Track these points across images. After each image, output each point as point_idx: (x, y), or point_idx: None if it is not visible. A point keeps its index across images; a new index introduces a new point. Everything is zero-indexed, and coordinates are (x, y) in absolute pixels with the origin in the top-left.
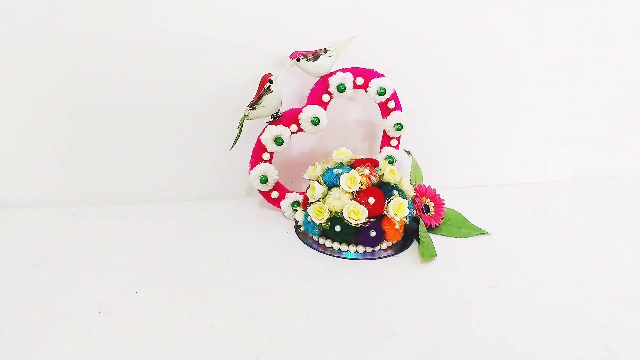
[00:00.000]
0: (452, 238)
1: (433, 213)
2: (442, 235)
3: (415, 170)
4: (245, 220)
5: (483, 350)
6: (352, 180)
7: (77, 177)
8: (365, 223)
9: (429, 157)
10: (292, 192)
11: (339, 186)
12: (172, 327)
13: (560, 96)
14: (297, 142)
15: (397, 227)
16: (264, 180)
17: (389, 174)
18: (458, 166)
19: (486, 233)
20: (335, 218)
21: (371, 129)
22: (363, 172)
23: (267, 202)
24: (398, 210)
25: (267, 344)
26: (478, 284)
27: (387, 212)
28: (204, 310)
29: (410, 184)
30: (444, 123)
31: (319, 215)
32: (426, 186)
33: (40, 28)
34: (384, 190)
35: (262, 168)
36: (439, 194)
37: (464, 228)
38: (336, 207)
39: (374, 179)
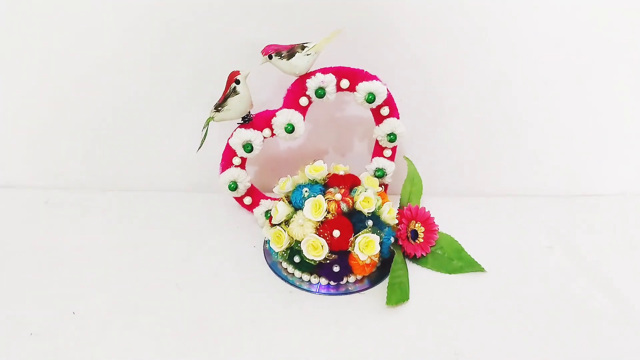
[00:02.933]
0: (439, 273)
1: (422, 240)
2: (428, 268)
3: (412, 183)
4: (215, 221)
5: None
6: (316, 207)
7: (57, 161)
8: (325, 259)
9: (446, 159)
10: (267, 198)
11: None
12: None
13: (611, 99)
14: None
15: (367, 261)
16: (232, 187)
17: (363, 202)
18: (481, 171)
19: (482, 270)
20: (295, 248)
21: (371, 126)
22: (334, 197)
23: None
24: (365, 248)
25: None
26: (444, 348)
27: (352, 249)
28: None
29: (401, 204)
30: (467, 123)
31: (277, 241)
32: (419, 207)
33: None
34: (356, 220)
35: (231, 173)
36: (433, 218)
37: (456, 260)
38: (297, 236)
39: (345, 207)
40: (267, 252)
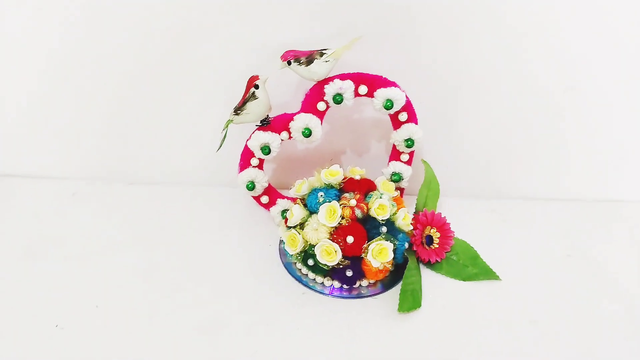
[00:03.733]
0: (454, 280)
1: (437, 246)
2: (442, 274)
3: (429, 187)
4: (234, 217)
5: None
6: (331, 213)
7: (84, 154)
8: (339, 264)
9: (464, 160)
10: (284, 197)
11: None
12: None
13: (635, 104)
14: None
15: (380, 267)
16: (250, 187)
17: (377, 210)
18: (499, 173)
19: (497, 278)
20: (309, 252)
21: (389, 127)
22: (349, 203)
23: None
24: (378, 255)
25: None
26: (455, 357)
27: (365, 255)
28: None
29: (417, 208)
30: (485, 124)
31: (292, 244)
32: (435, 211)
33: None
34: (370, 226)
35: (249, 174)
36: (449, 224)
37: (471, 267)
38: (311, 240)
39: (359, 213)
40: (282, 252)
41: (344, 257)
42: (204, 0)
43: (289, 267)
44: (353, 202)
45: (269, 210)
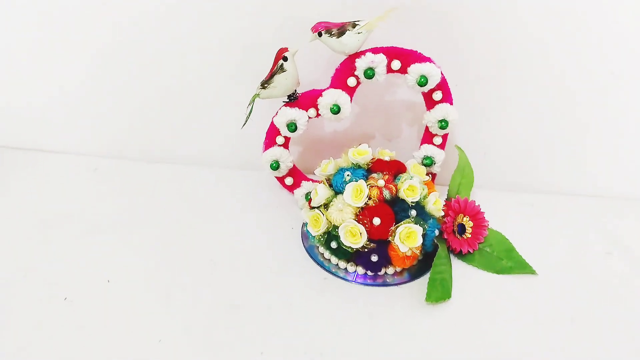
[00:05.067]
0: (486, 272)
1: (469, 236)
2: (473, 265)
3: (462, 175)
4: (256, 200)
5: None
6: (357, 193)
7: (107, 131)
8: (364, 247)
9: (501, 151)
10: (309, 180)
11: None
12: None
13: None
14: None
15: (407, 253)
16: (274, 166)
17: (407, 191)
18: (538, 166)
19: (533, 272)
20: (332, 234)
21: (422, 112)
22: (377, 183)
23: None
24: (407, 239)
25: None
26: (486, 353)
27: (392, 239)
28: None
29: (449, 196)
30: (525, 115)
31: (315, 225)
32: (469, 200)
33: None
34: (398, 209)
35: (274, 152)
36: (483, 212)
37: (505, 260)
38: (336, 221)
39: (387, 194)
40: (305, 236)
41: (369, 240)
42: None
43: (311, 251)
44: (381, 182)
45: (292, 193)
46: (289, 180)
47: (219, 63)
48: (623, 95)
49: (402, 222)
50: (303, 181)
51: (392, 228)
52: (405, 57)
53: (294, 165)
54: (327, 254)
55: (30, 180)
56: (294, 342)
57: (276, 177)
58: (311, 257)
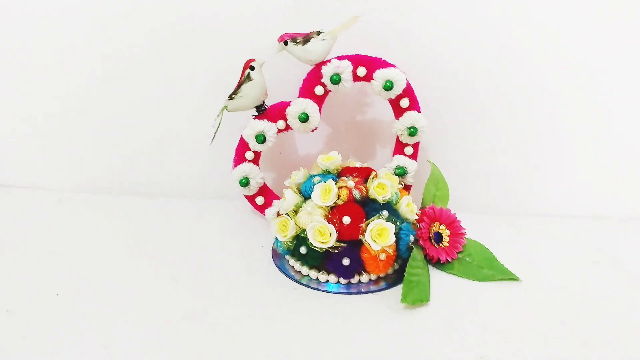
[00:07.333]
0: (466, 280)
1: (447, 244)
2: (453, 274)
3: (437, 187)
4: (226, 224)
5: None
6: (326, 192)
7: (68, 163)
8: (334, 248)
9: (469, 172)
10: (280, 198)
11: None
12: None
13: None
14: (302, 143)
15: (381, 257)
16: (244, 182)
17: (377, 189)
18: (511, 187)
19: (516, 279)
20: (301, 237)
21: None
22: (346, 184)
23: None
24: (379, 236)
25: None
26: (468, 353)
27: (362, 237)
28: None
29: (423, 205)
30: (494, 131)
31: (282, 230)
32: (444, 209)
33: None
34: (369, 209)
35: (243, 169)
36: (459, 221)
37: (487, 269)
38: (305, 224)
39: (357, 194)
40: (276, 252)
41: (339, 240)
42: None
43: (282, 267)
44: (351, 183)
45: (264, 213)
46: (259, 200)
47: (184, 94)
48: (600, 120)
49: (372, 219)
50: (274, 200)
51: (363, 225)
52: (370, 64)
53: (264, 184)
54: (297, 266)
55: None
56: (257, 349)
57: (247, 198)
58: (281, 271)
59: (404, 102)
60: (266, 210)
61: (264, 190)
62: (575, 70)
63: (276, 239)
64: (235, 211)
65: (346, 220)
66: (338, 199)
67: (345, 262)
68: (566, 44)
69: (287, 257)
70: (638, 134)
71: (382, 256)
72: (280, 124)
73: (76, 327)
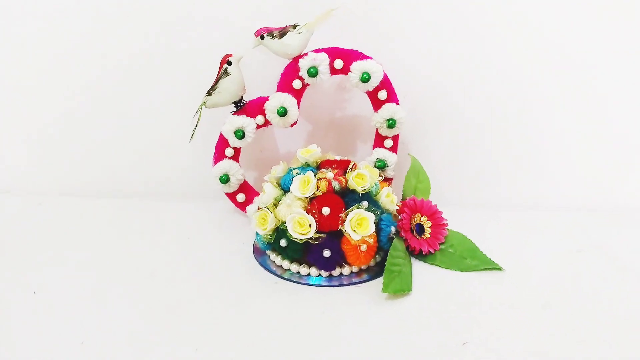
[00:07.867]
0: (449, 271)
1: (429, 236)
2: (436, 265)
3: (417, 178)
4: (206, 224)
5: None
6: (305, 183)
7: (50, 166)
8: (314, 239)
9: (452, 165)
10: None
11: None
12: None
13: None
14: (283, 140)
15: (362, 248)
16: (224, 179)
17: (356, 179)
18: (493, 180)
19: (499, 268)
20: (281, 229)
21: (373, 126)
22: (325, 175)
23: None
24: (358, 226)
25: None
26: (451, 339)
27: (342, 227)
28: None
29: (404, 196)
30: (475, 124)
31: (262, 223)
32: (425, 200)
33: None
34: (349, 199)
35: (223, 165)
36: (440, 212)
37: (470, 259)
38: (284, 216)
39: (337, 185)
40: (257, 249)
41: (319, 231)
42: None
43: (263, 262)
44: (330, 175)
45: (244, 210)
46: (240, 197)
47: (165, 94)
48: (579, 112)
49: (351, 208)
50: (255, 197)
51: (342, 215)
52: (346, 56)
53: (245, 181)
54: (278, 260)
55: None
56: (239, 343)
57: (227, 195)
58: (263, 266)
59: (382, 94)
60: (247, 207)
61: (244, 188)
62: (556, 59)
63: (257, 234)
64: (216, 210)
65: (325, 211)
66: (317, 190)
67: (326, 253)
68: (548, 35)
69: (268, 252)
70: (622, 125)
71: (363, 247)
72: (259, 119)
73: (54, 323)
